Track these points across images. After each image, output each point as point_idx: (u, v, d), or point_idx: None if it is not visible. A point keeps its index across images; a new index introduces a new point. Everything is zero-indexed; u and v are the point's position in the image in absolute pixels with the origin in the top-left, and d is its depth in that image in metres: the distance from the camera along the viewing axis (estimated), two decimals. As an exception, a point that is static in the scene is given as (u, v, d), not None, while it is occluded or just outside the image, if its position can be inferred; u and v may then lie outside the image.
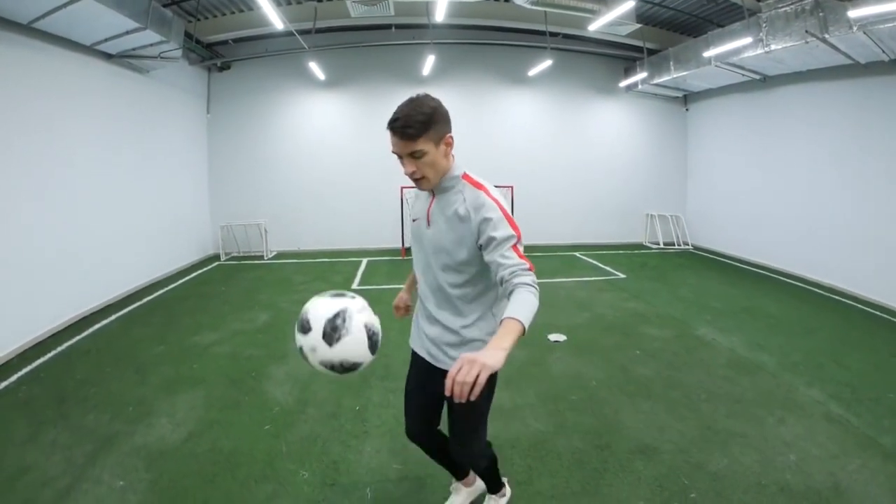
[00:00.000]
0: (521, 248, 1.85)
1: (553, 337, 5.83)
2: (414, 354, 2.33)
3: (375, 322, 1.70)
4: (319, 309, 1.78)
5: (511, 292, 1.70)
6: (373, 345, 1.69)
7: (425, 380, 2.22)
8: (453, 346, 2.09)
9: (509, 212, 1.93)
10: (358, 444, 3.56)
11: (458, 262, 1.99)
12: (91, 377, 4.74)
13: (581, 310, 7.03)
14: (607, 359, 5.24)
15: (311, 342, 1.72)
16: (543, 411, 4.14)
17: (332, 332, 1.67)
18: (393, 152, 1.92)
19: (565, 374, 4.86)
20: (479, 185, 1.98)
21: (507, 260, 1.78)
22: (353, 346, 1.65)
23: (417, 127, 1.81)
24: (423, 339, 2.21)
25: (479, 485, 2.86)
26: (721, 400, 4.32)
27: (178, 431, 3.76)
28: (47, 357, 5.22)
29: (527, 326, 1.60)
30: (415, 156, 1.87)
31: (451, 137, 1.95)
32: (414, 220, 2.18)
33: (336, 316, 1.70)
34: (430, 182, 1.97)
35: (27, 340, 5.47)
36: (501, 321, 1.61)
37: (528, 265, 1.77)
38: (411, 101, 1.86)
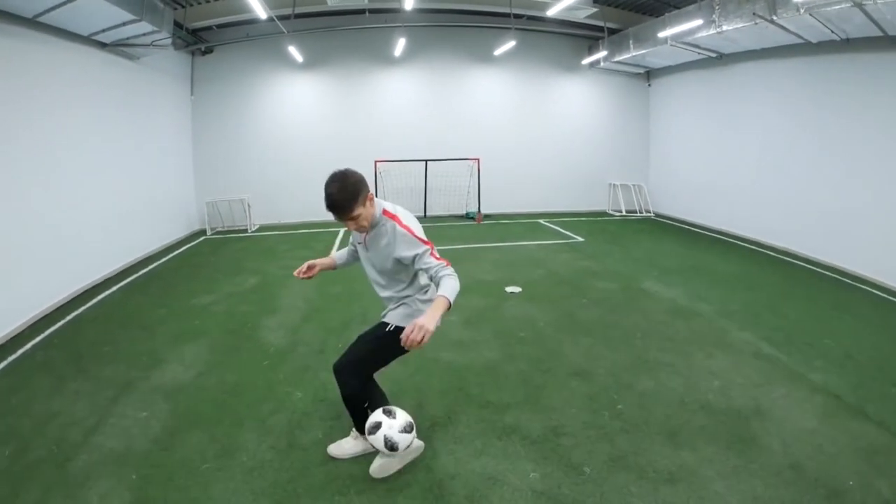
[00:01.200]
0: (436, 252, 2.66)
1: (509, 289, 6.50)
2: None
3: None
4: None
5: (438, 282, 2.54)
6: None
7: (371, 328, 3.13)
8: (395, 305, 2.96)
9: (418, 229, 2.76)
10: (341, 372, 4.19)
11: (387, 269, 2.84)
12: (102, 338, 5.19)
13: (537, 267, 7.68)
14: (556, 306, 5.91)
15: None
16: (496, 344, 4.87)
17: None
18: (336, 220, 2.66)
19: (517, 317, 5.56)
20: (393, 217, 2.74)
21: (429, 264, 2.61)
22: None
23: (349, 204, 2.56)
24: (383, 309, 3.07)
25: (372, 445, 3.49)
26: (654, 338, 4.94)
27: (189, 372, 4.38)
28: (57, 326, 5.56)
29: (451, 300, 2.44)
30: (353, 219, 2.63)
31: (371, 193, 2.68)
32: (358, 244, 2.98)
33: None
34: (367, 226, 2.74)
35: (36, 313, 5.74)
36: (434, 299, 2.47)
37: (444, 263, 2.61)
38: (334, 181, 2.57)
